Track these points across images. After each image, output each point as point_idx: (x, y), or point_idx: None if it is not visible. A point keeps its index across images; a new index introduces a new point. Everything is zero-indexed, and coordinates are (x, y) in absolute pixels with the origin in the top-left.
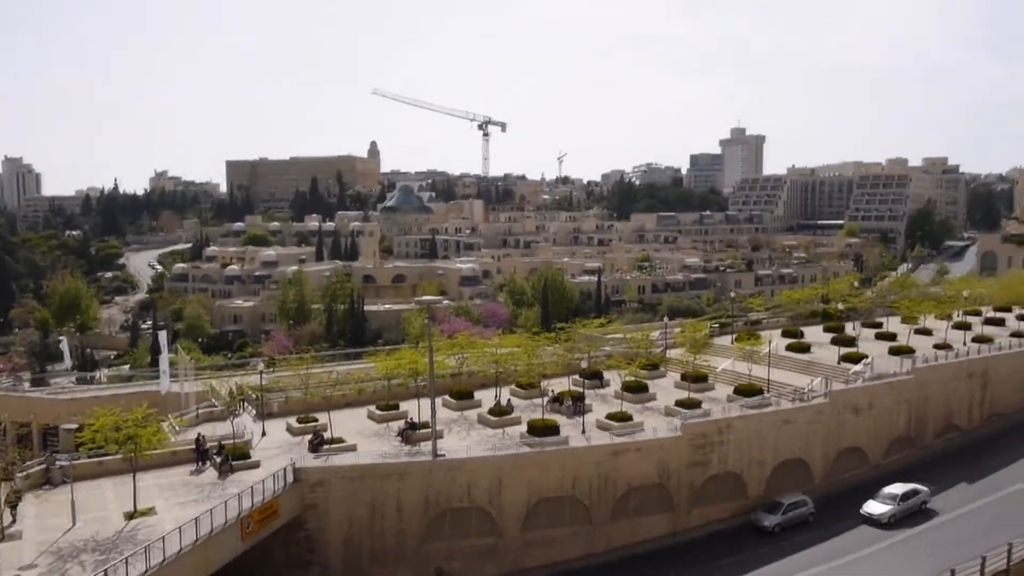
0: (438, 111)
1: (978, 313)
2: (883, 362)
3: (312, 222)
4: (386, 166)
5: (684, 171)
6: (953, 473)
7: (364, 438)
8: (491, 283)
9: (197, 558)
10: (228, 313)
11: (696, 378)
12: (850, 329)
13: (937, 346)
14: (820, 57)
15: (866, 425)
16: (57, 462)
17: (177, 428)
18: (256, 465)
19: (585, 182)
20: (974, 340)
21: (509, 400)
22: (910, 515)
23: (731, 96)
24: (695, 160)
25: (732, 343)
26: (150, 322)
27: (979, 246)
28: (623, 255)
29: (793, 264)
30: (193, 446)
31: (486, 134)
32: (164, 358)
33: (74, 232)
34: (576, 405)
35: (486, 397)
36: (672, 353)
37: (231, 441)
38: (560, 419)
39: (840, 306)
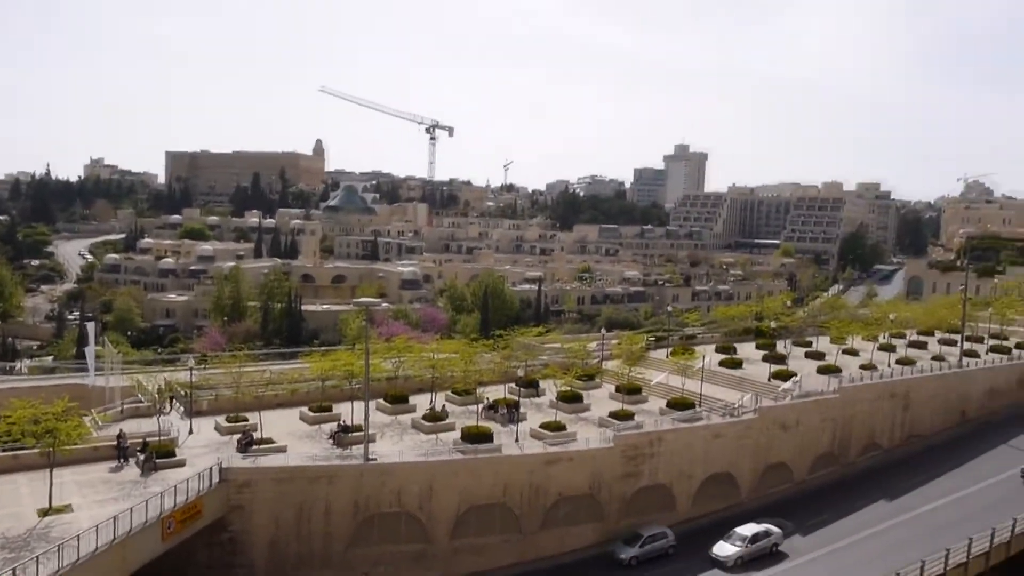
0: (386, 112)
1: (903, 336)
2: (811, 380)
3: (252, 218)
4: (331, 165)
5: (628, 185)
6: (872, 491)
7: (295, 439)
8: (432, 288)
9: (114, 558)
10: (160, 307)
11: (631, 390)
12: (781, 347)
13: (863, 366)
14: (765, 80)
15: (793, 441)
16: None
17: (100, 423)
18: (181, 464)
19: (530, 191)
20: (898, 362)
21: (444, 406)
22: (759, 558)
23: (676, 113)
24: (639, 174)
25: (667, 357)
26: (77, 313)
27: (906, 271)
28: (564, 265)
29: (729, 281)
30: (115, 442)
31: (433, 138)
32: (90, 350)
33: (1, 217)
34: (511, 413)
35: (421, 402)
36: (608, 365)
37: (156, 438)
38: (495, 427)
39: (773, 324)
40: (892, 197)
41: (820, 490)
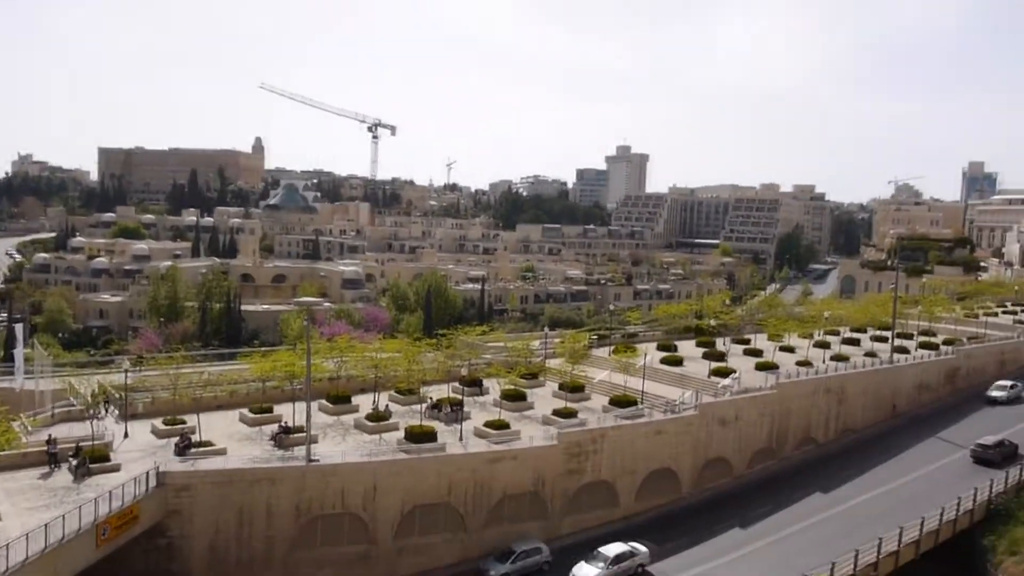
0: (327, 110)
1: (837, 333)
2: (750, 377)
3: (189, 216)
4: (271, 163)
5: (571, 185)
6: (809, 483)
7: (235, 442)
8: (374, 287)
9: (45, 567)
10: (93, 308)
11: (574, 388)
12: (721, 344)
13: (799, 363)
14: (704, 82)
15: (732, 436)
16: None
17: (30, 428)
18: (116, 468)
19: (473, 190)
20: (832, 359)
21: (387, 406)
22: None
23: (618, 115)
24: (581, 175)
25: (609, 355)
26: (4, 314)
27: (840, 270)
28: (508, 264)
29: (670, 280)
30: (45, 447)
31: (375, 136)
32: (19, 353)
33: None
34: (455, 412)
35: (364, 402)
36: (552, 363)
37: (90, 443)
38: (438, 426)
39: (712, 322)
40: (826, 199)
41: (759, 483)
